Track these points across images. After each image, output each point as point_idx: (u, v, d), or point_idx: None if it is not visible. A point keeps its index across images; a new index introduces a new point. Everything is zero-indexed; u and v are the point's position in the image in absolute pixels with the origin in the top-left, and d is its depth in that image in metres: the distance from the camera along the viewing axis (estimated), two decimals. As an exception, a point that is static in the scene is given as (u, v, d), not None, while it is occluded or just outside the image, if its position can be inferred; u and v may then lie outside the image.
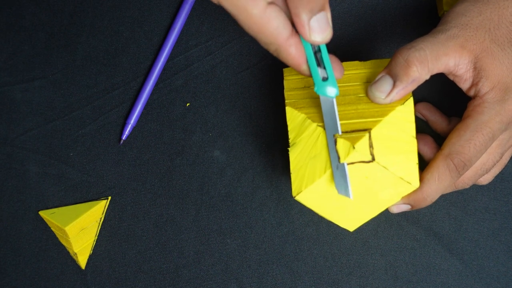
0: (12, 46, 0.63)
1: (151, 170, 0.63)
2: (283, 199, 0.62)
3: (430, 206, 0.61)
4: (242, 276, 0.62)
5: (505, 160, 0.55)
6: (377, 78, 0.50)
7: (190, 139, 0.63)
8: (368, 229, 0.61)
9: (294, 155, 0.52)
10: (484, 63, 0.49)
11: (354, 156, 0.48)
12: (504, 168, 0.61)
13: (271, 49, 0.46)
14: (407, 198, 0.51)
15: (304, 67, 0.47)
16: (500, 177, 0.61)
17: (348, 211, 0.52)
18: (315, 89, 0.48)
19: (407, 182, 0.50)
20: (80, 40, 0.63)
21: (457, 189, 0.54)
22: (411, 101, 0.50)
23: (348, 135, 0.49)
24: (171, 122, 0.63)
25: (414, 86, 0.50)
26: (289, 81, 0.55)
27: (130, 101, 0.63)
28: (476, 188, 0.61)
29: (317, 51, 0.46)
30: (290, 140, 0.52)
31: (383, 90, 0.49)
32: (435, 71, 0.49)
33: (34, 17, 0.63)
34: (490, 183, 0.61)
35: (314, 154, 0.50)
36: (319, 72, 0.47)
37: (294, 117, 0.52)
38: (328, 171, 0.49)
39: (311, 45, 0.46)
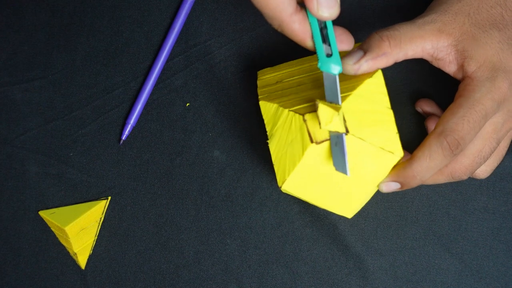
0: (12, 46, 0.63)
1: (151, 170, 0.63)
2: (283, 200, 0.62)
3: (430, 205, 0.61)
4: (242, 276, 0.62)
5: (502, 151, 0.55)
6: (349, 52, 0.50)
7: (190, 139, 0.63)
8: (367, 229, 0.61)
9: (273, 146, 0.52)
10: (466, 45, 0.50)
11: (330, 126, 0.48)
12: (503, 168, 0.61)
13: (275, 24, 0.47)
14: (396, 175, 0.50)
15: (309, 43, 0.48)
16: (500, 177, 0.61)
17: (340, 196, 0.51)
18: (319, 65, 0.48)
19: (389, 151, 0.49)
20: (80, 40, 0.63)
21: (454, 180, 0.53)
22: (379, 73, 0.50)
23: (313, 105, 0.49)
24: (171, 122, 0.63)
25: (383, 61, 0.50)
26: (262, 80, 0.56)
27: (130, 101, 0.63)
28: (475, 188, 0.61)
29: (323, 28, 0.47)
30: (268, 133, 0.52)
31: (353, 58, 0.49)
32: (409, 53, 0.50)
33: (34, 17, 0.63)
34: (489, 183, 0.61)
35: (291, 139, 0.50)
36: (324, 49, 0.47)
37: (267, 109, 0.53)
38: (306, 152, 0.49)
39: (318, 21, 0.46)
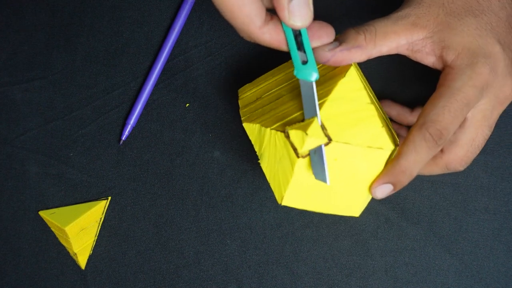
0: (12, 46, 0.63)
1: (151, 170, 0.63)
2: (283, 200, 0.62)
3: (430, 206, 0.61)
4: (242, 277, 0.62)
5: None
6: None
7: (190, 140, 0.63)
8: (368, 230, 0.61)
9: (265, 165, 0.52)
10: (442, 35, 0.49)
11: (310, 143, 0.47)
12: (503, 169, 0.61)
13: (245, 37, 0.46)
14: (385, 175, 0.49)
15: (286, 48, 0.47)
16: (500, 177, 0.61)
17: (342, 198, 0.51)
18: (295, 72, 0.48)
19: (378, 148, 0.49)
20: (80, 40, 0.63)
21: (450, 171, 0.53)
22: (352, 70, 0.50)
23: (298, 125, 0.48)
24: (171, 122, 0.63)
25: (357, 54, 0.49)
26: (243, 99, 0.56)
27: (130, 102, 0.63)
28: (476, 188, 0.61)
29: (297, 35, 0.46)
30: (257, 153, 0.52)
31: (328, 46, 0.49)
32: (384, 50, 0.50)
33: (34, 17, 0.63)
34: (490, 183, 0.61)
35: (279, 157, 0.50)
36: (299, 56, 0.47)
37: (252, 130, 0.52)
38: (295, 167, 0.49)
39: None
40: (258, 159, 0.52)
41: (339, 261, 0.61)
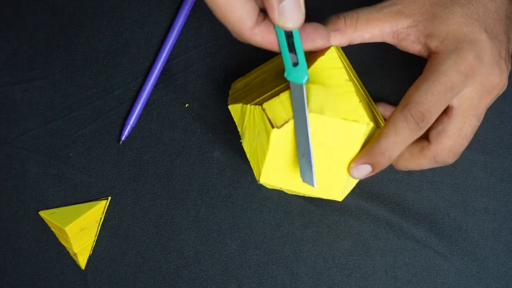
0: (12, 46, 0.63)
1: (151, 171, 0.63)
2: (283, 200, 0.62)
3: (430, 207, 0.61)
4: (242, 277, 0.62)
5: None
6: None
7: (190, 140, 0.63)
8: (367, 230, 0.61)
9: (245, 144, 0.52)
10: (427, 24, 0.50)
11: (284, 113, 0.47)
12: (503, 169, 0.61)
13: (236, 37, 0.46)
14: (364, 155, 0.48)
15: (277, 49, 0.47)
16: (500, 178, 0.61)
17: (322, 179, 0.50)
18: (285, 74, 0.48)
19: (353, 120, 0.48)
20: (80, 40, 0.63)
21: (439, 164, 0.52)
22: (332, 49, 0.49)
23: (271, 94, 0.48)
24: (171, 122, 0.63)
25: (337, 38, 0.50)
26: (233, 89, 0.57)
27: (130, 102, 0.63)
28: (476, 189, 0.61)
29: (289, 36, 0.46)
30: (240, 134, 0.52)
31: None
32: (366, 36, 0.50)
33: (34, 17, 0.63)
34: (489, 184, 0.61)
35: (257, 132, 0.50)
36: (290, 58, 0.47)
37: (235, 111, 0.53)
38: (271, 138, 0.48)
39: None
40: (240, 139, 0.52)
41: (339, 261, 0.61)
